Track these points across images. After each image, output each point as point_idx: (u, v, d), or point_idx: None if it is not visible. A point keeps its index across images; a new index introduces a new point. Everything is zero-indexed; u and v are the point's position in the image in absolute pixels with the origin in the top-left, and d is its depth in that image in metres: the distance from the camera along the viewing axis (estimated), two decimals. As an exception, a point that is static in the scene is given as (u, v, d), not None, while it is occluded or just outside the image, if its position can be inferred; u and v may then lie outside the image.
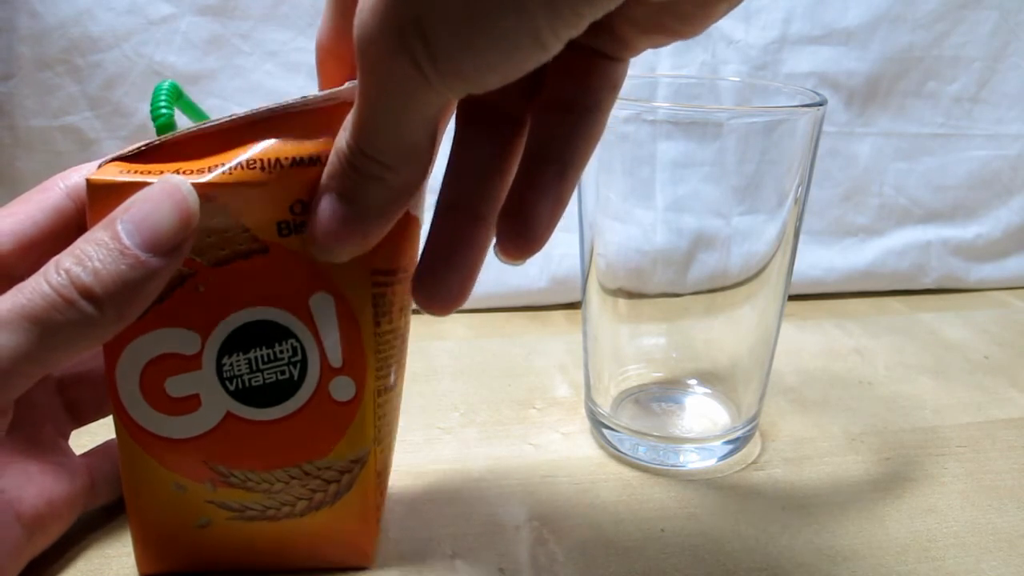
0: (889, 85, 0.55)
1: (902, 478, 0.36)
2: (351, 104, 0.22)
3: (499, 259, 0.25)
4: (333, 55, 0.25)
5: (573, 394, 0.42)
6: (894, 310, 0.55)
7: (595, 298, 0.36)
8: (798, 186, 0.33)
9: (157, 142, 0.25)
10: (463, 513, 0.32)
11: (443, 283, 0.25)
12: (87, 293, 0.22)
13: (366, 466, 0.27)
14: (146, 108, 0.48)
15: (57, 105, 0.48)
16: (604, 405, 0.38)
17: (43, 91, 0.47)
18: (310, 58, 0.49)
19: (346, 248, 0.23)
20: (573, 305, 0.53)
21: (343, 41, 0.24)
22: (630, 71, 0.25)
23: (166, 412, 0.26)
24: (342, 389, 0.26)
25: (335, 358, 0.26)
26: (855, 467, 0.36)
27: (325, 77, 0.26)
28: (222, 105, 0.49)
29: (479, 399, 0.41)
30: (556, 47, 0.18)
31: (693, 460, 0.36)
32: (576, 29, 0.18)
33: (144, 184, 0.23)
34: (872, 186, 0.56)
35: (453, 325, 0.50)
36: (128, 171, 0.24)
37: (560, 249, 0.52)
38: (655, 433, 0.36)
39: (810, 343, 0.49)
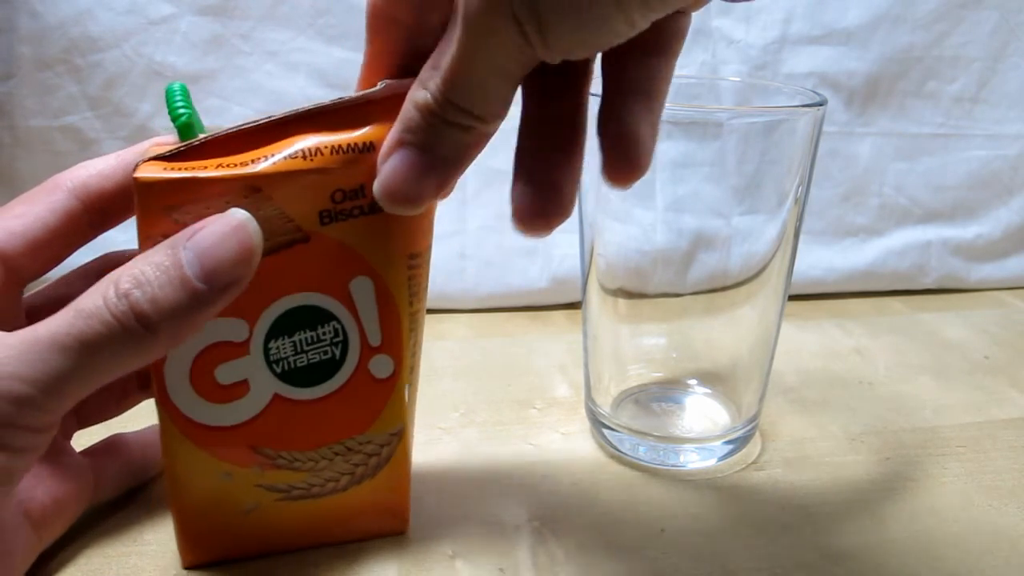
0: (889, 85, 0.55)
1: (902, 478, 0.36)
2: (383, 102, 0.24)
3: (607, 184, 0.25)
4: (386, 14, 0.25)
5: (573, 394, 0.42)
6: (894, 310, 0.55)
7: (595, 298, 0.36)
8: (798, 186, 0.33)
9: (197, 142, 0.25)
10: (463, 513, 0.32)
11: (541, 206, 0.25)
12: (144, 319, 0.23)
13: (403, 438, 0.29)
14: (146, 108, 0.49)
15: (57, 105, 0.48)
16: (604, 405, 0.38)
17: (43, 91, 0.47)
18: (310, 58, 0.50)
19: (424, 198, 0.23)
20: (573, 305, 0.53)
21: (399, 2, 0.24)
22: None
23: (216, 401, 0.26)
24: (381, 366, 0.27)
25: (374, 338, 0.27)
26: (855, 467, 0.36)
27: (376, 37, 0.26)
28: (222, 105, 0.49)
29: (479, 399, 0.41)
30: (644, 26, 0.21)
31: (693, 460, 0.36)
32: (663, 13, 0.21)
33: (192, 180, 0.24)
34: (872, 186, 0.56)
35: (453, 325, 0.50)
36: (172, 168, 0.24)
37: (560, 249, 0.52)
38: (655, 433, 0.36)
39: (810, 343, 0.49)
